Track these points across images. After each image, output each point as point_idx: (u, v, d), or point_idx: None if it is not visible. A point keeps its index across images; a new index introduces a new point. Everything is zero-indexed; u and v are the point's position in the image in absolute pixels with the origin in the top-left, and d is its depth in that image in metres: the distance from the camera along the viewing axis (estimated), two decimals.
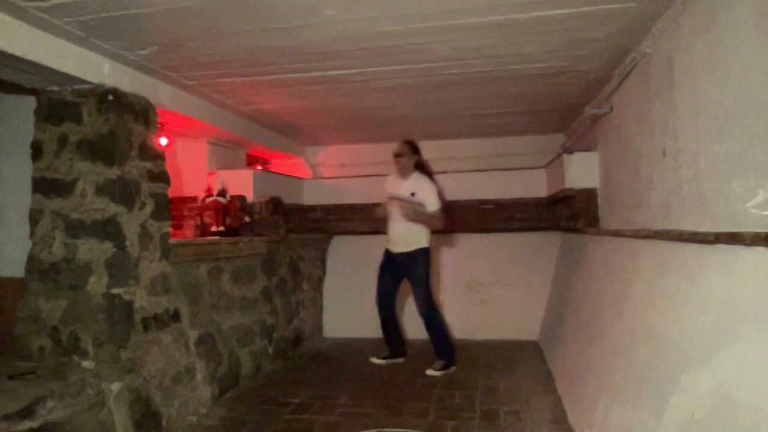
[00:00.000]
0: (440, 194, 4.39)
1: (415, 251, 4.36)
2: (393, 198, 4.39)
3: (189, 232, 4.69)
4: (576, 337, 3.73)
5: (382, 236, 6.05)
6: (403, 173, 4.44)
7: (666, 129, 2.58)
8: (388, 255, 4.55)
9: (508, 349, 5.10)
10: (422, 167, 4.50)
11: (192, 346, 3.54)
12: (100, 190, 2.95)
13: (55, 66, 2.67)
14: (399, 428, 3.14)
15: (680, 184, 2.41)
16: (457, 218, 4.96)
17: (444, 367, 4.29)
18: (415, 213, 4.25)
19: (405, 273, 4.46)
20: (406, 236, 4.36)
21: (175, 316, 3.44)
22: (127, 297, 3.03)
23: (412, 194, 4.31)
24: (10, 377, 2.58)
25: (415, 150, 4.45)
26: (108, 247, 2.95)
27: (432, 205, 4.28)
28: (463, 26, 2.69)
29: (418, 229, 4.33)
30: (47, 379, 2.59)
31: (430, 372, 4.23)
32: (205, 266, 3.89)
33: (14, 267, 3.22)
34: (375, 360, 4.60)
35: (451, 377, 4.18)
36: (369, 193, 5.93)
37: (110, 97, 2.99)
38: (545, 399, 3.59)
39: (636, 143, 3.12)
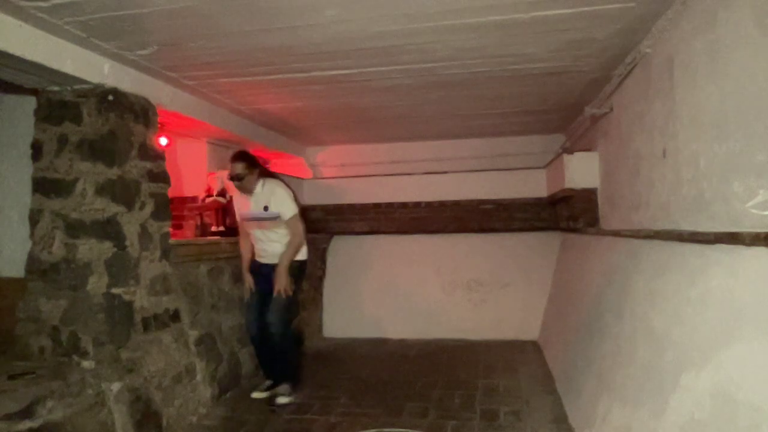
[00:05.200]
0: (296, 198, 3.87)
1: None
2: (249, 220, 3.84)
3: (189, 232, 4.68)
4: (576, 337, 3.73)
5: (382, 236, 6.11)
6: (249, 190, 3.78)
7: (666, 129, 2.58)
8: (255, 265, 3.91)
9: (508, 349, 5.10)
10: (266, 173, 3.93)
11: (192, 346, 3.54)
12: (100, 190, 2.95)
13: (55, 66, 2.67)
14: (399, 428, 3.14)
15: (680, 184, 2.41)
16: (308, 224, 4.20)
17: (293, 390, 3.82)
18: (284, 274, 3.69)
19: (272, 285, 3.76)
20: (277, 252, 3.80)
21: (175, 316, 3.44)
22: (127, 297, 3.03)
23: (265, 208, 3.73)
24: (10, 377, 2.58)
25: (252, 163, 3.79)
26: (108, 247, 2.95)
27: (289, 210, 3.73)
28: (463, 26, 2.69)
29: (287, 243, 3.78)
30: (47, 379, 2.59)
31: (282, 400, 3.68)
32: (205, 266, 3.90)
33: (14, 267, 3.22)
34: (256, 394, 3.81)
35: (451, 377, 4.18)
36: (369, 193, 5.95)
37: (110, 97, 2.99)
38: (545, 399, 3.59)
39: (636, 143, 3.12)
